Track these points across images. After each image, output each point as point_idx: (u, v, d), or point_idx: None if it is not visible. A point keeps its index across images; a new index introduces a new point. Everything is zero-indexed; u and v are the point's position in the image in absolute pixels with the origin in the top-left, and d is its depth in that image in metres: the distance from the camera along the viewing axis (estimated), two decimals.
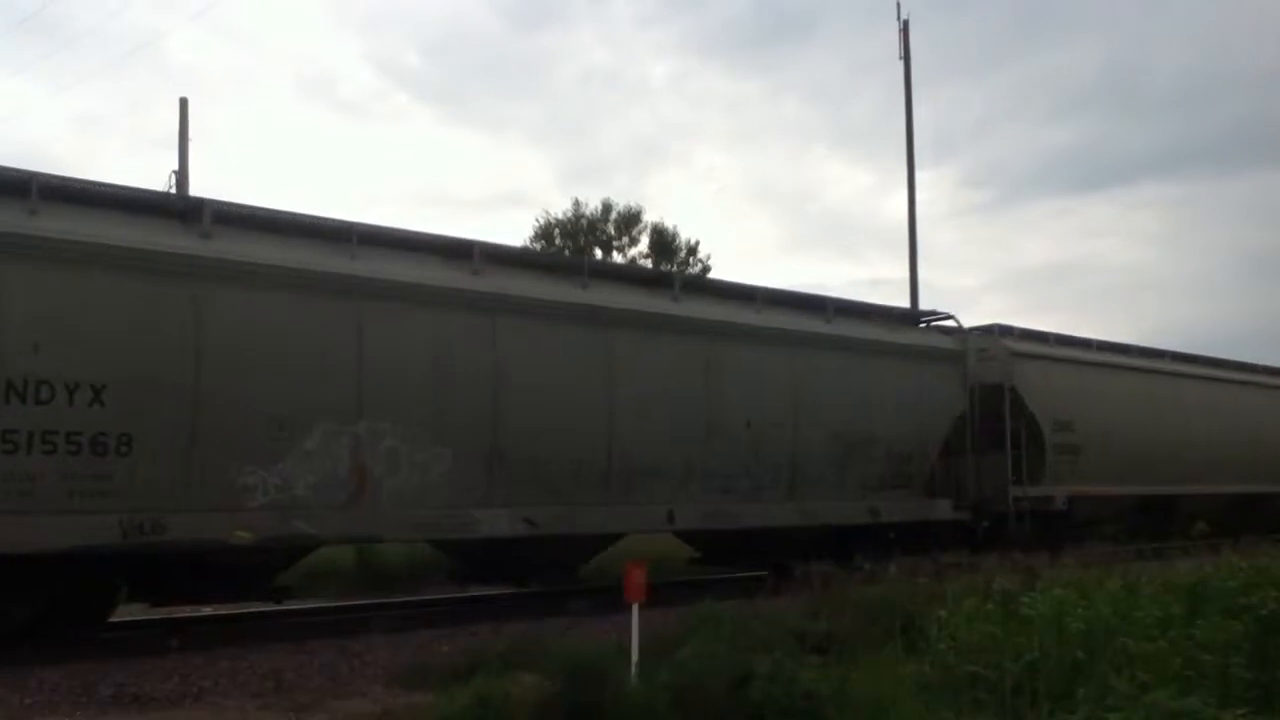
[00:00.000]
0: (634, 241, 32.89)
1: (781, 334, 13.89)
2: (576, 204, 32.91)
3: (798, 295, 15.17)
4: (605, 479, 11.82)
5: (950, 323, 16.84)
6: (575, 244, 31.82)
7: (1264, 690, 5.64)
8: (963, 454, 16.11)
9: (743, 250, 68.50)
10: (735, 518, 13.07)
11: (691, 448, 12.65)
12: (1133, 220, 78.76)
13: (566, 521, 11.52)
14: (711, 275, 30.06)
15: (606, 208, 32.86)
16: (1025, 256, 77.27)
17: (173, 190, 20.39)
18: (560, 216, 32.63)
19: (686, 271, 30.46)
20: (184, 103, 23.19)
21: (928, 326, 16.90)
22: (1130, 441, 18.70)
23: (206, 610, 11.91)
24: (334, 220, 10.61)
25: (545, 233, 32.41)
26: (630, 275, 13.16)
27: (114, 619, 10.95)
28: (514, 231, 43.60)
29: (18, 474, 8.27)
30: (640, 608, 7.38)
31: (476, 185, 71.22)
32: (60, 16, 65.03)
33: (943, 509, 15.65)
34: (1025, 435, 16.52)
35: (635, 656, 7.00)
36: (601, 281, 12.51)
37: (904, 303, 23.91)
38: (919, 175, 61.36)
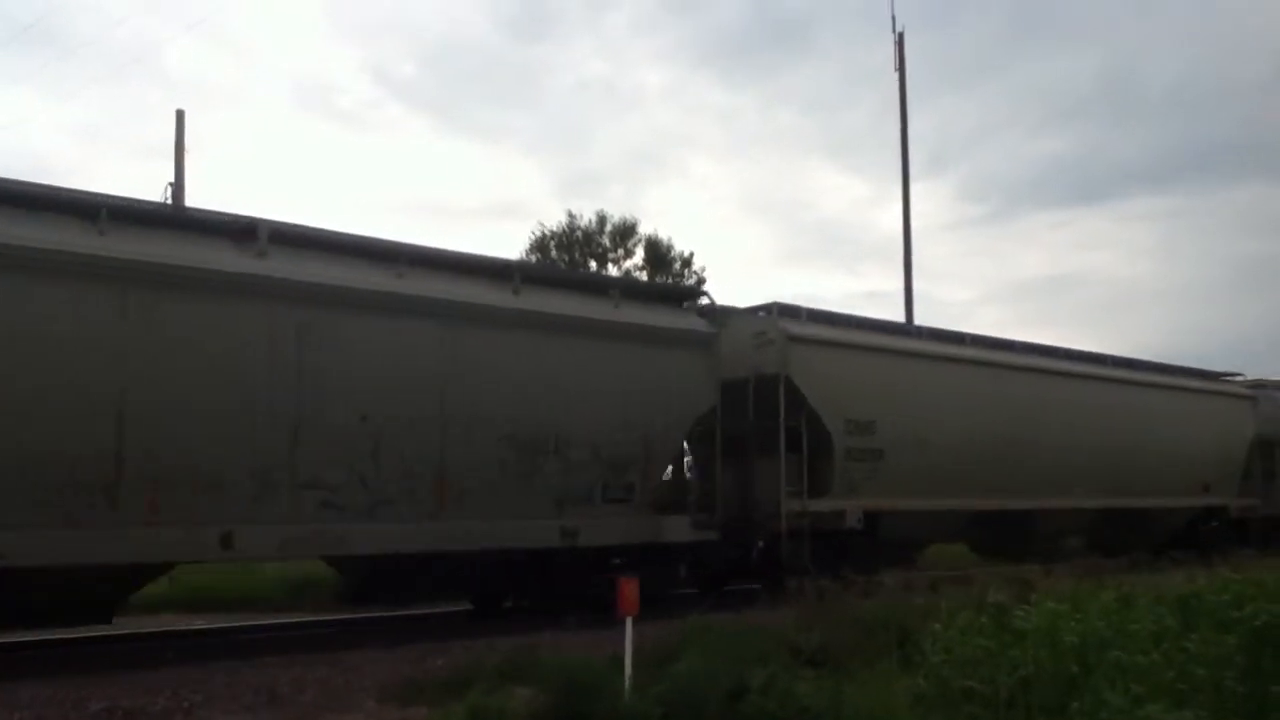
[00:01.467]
0: (629, 253, 32.98)
1: (425, 303, 10.81)
2: (571, 216, 33.01)
3: (471, 259, 11.61)
4: (114, 489, 8.91)
5: (704, 300, 14.26)
6: (570, 256, 31.87)
7: (1257, 704, 5.64)
8: (712, 460, 13.50)
9: (738, 262, 68.65)
10: (341, 541, 10.21)
11: (269, 448, 9.71)
12: (1128, 232, 79.02)
13: (51, 549, 8.64)
14: (705, 288, 30.05)
15: (602, 219, 32.95)
16: (1022, 269, 77.47)
17: (168, 200, 20.42)
18: (555, 228, 32.72)
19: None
20: (180, 115, 23.31)
21: (681, 305, 14.00)
22: (961, 447, 15.71)
23: (200, 623, 11.90)
24: None
25: (540, 245, 32.46)
26: (188, 223, 9.94)
27: (108, 632, 10.93)
28: (510, 243, 43.64)
29: None
30: (634, 621, 7.38)
31: (472, 196, 71.33)
32: (60, 26, 65.15)
33: (676, 528, 12.71)
34: (807, 437, 13.84)
35: (629, 670, 6.99)
36: (141, 230, 9.40)
37: (899, 316, 23.95)
38: (915, 186, 61.42)
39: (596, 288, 13.34)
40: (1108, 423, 18.54)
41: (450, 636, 10.38)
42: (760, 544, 13.96)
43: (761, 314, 14.86)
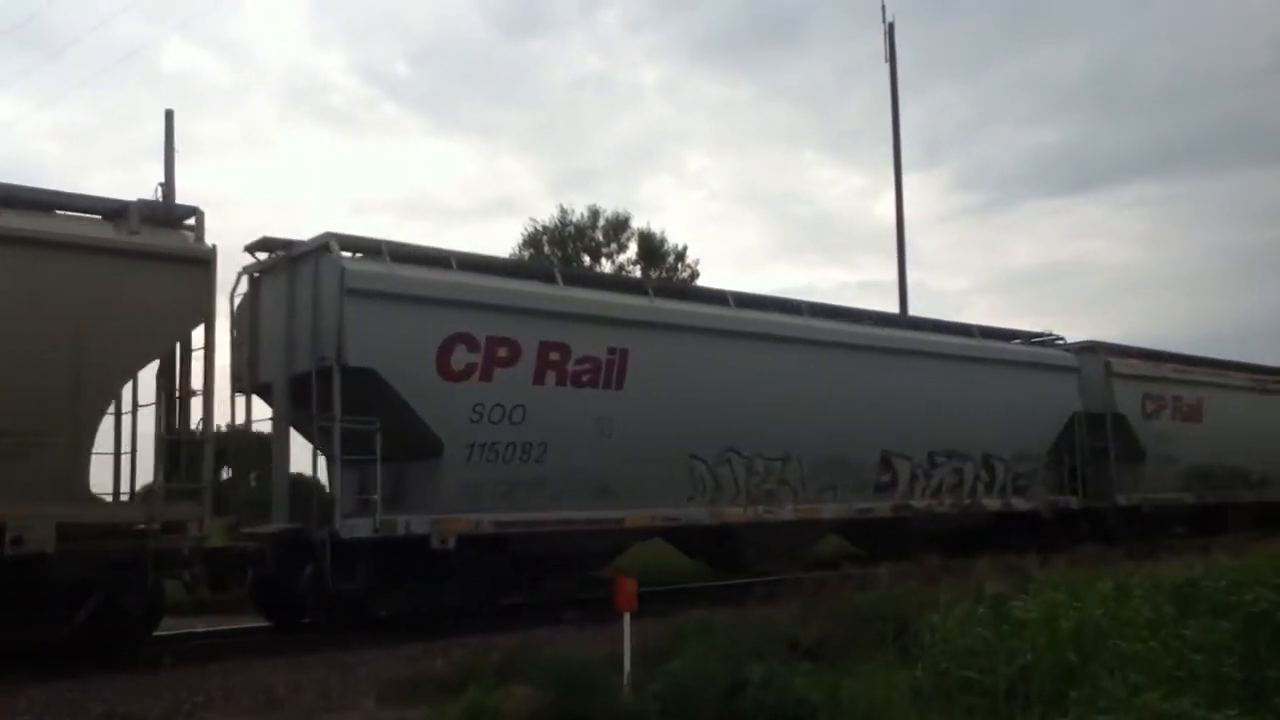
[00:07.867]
0: (623, 248, 32.91)
1: None
2: (563, 211, 32.95)
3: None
4: None
5: None
6: (563, 251, 31.80)
7: (1255, 689, 5.65)
8: None
9: (733, 255, 68.64)
10: None
11: None
12: (1121, 220, 79.14)
13: None
14: (698, 282, 29.99)
15: (594, 214, 32.89)
16: (1016, 258, 77.55)
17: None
18: (547, 224, 32.67)
19: (674, 278, 30.41)
20: (169, 115, 23.04)
21: None
22: None
23: (200, 627, 11.85)
24: None
25: (533, 240, 32.40)
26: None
27: None
28: (504, 240, 43.56)
29: None
30: (632, 617, 7.37)
31: (466, 193, 71.22)
32: (47, 28, 64.88)
33: None
34: None
35: (628, 666, 6.98)
36: None
37: (893, 307, 23.88)
38: (909, 177, 61.17)
39: None
40: None
41: (449, 636, 10.36)
42: None
43: None
